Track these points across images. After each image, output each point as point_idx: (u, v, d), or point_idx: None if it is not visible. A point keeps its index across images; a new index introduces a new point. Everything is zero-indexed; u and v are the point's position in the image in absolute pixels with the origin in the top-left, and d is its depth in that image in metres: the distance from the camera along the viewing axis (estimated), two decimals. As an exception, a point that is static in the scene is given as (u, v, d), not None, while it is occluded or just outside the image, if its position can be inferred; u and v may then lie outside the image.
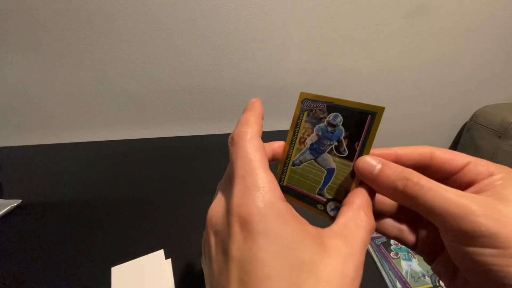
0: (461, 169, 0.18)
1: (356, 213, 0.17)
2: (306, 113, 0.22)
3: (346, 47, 0.72)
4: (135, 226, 0.46)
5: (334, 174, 0.21)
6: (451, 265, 0.18)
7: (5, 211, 0.47)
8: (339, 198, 0.21)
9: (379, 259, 0.40)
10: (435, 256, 0.20)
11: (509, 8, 0.74)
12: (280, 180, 0.23)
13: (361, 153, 0.20)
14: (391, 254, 0.40)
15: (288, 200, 0.18)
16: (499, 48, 0.81)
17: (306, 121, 0.22)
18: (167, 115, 0.74)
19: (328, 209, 0.21)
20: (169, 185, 0.56)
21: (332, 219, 0.21)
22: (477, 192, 0.16)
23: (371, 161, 0.18)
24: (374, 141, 0.20)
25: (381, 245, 0.42)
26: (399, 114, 0.87)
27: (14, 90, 0.64)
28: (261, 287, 0.13)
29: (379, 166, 0.18)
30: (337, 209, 0.21)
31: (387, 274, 0.38)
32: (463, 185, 0.17)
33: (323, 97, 0.22)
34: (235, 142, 0.18)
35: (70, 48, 0.62)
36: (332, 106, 0.21)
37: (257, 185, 0.16)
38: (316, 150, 0.22)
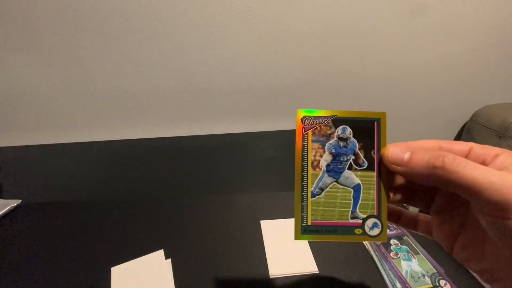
0: (468, 153, 0.19)
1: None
2: (310, 132, 0.20)
3: (346, 47, 0.72)
4: (135, 226, 0.46)
5: (362, 189, 0.20)
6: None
7: (5, 211, 0.47)
8: (375, 213, 0.20)
9: (379, 259, 0.40)
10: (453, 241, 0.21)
11: (509, 8, 0.74)
12: (302, 221, 0.19)
13: (379, 159, 0.20)
14: (391, 254, 0.40)
15: (318, 240, 0.17)
16: (499, 48, 0.81)
17: (313, 141, 0.20)
18: (167, 115, 0.74)
19: (367, 230, 0.20)
20: (169, 185, 0.56)
21: (374, 238, 0.20)
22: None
23: (398, 151, 0.19)
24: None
25: (381, 245, 0.42)
26: (399, 115, 0.87)
27: (14, 90, 0.65)
28: None
29: (408, 153, 0.19)
30: (377, 225, 0.20)
31: (387, 274, 0.37)
32: None
33: (323, 111, 0.20)
34: None
35: (70, 48, 0.62)
36: (337, 119, 0.20)
37: None
38: (334, 170, 0.20)
